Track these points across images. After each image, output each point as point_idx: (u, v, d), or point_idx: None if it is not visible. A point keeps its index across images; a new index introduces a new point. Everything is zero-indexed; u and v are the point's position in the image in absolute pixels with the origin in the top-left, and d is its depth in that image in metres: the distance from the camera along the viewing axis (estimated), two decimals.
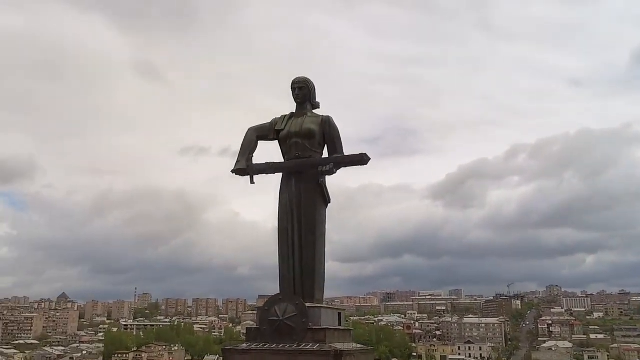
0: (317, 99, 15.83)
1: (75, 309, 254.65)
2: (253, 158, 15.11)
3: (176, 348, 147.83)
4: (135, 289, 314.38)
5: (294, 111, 15.35)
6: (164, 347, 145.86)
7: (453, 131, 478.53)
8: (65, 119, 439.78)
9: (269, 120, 15.70)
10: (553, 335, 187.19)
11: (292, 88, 15.44)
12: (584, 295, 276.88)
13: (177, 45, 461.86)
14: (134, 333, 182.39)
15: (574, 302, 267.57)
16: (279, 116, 15.68)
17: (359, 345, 15.74)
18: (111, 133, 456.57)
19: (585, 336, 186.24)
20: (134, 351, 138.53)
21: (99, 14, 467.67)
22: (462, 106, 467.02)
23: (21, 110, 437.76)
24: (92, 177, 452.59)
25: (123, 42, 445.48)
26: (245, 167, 14.42)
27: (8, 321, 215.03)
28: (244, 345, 14.77)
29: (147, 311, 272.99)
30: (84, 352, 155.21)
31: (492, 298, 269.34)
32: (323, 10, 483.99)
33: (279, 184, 15.56)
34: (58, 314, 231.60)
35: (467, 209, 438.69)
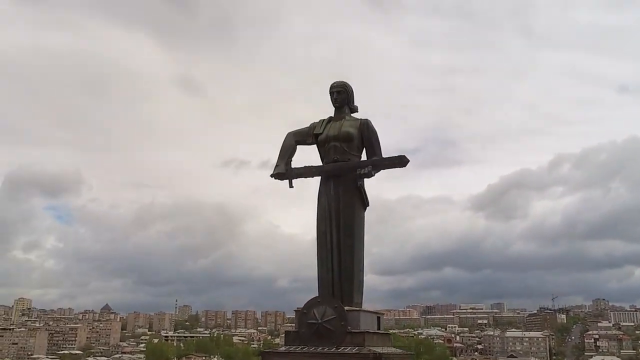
0: (356, 104, 15.85)
1: (118, 320, 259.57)
2: (292, 162, 15.21)
3: (215, 359, 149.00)
4: (176, 301, 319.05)
5: (332, 115, 15.39)
6: (204, 358, 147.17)
7: (494, 141, 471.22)
8: (110, 134, 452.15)
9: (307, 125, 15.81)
10: (600, 350, 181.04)
11: (330, 92, 15.48)
12: (633, 310, 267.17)
13: (218, 60, 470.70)
14: (174, 344, 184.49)
15: (622, 316, 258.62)
16: (317, 120, 15.75)
17: (398, 350, 15.54)
18: (154, 147, 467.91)
19: (634, 351, 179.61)
20: None
21: (143, 32, 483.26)
22: (503, 115, 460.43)
23: (69, 126, 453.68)
24: (136, 191, 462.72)
25: (165, 59, 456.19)
26: (284, 171, 14.51)
27: (54, 332, 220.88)
28: (283, 348, 14.78)
29: (187, 323, 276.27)
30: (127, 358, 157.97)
31: (535, 312, 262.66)
32: (362, 22, 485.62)
33: (317, 189, 15.58)
34: (101, 325, 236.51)
35: (509, 220, 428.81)
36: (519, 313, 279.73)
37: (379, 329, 14.95)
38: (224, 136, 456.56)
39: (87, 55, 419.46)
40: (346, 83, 15.83)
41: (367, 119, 15.06)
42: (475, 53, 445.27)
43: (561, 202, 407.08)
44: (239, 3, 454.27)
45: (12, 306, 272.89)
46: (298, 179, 15.39)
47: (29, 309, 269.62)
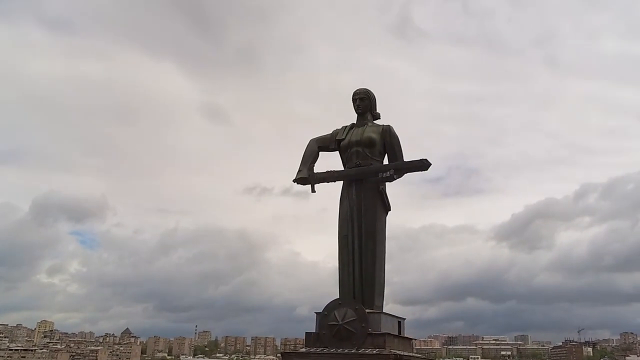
0: (378, 111, 16.10)
1: (138, 344, 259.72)
2: (314, 168, 15.48)
3: None
4: (196, 326, 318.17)
5: (355, 122, 15.68)
6: None
7: (518, 170, 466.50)
8: (136, 160, 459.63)
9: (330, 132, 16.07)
10: None
11: (353, 99, 15.78)
12: None
13: (243, 87, 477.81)
14: None
15: None
16: (340, 127, 16.05)
17: (418, 355, 15.46)
18: (179, 174, 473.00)
19: None
20: None
21: (171, 61, 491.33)
22: (528, 145, 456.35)
23: (97, 152, 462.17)
24: (160, 217, 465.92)
25: (192, 87, 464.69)
26: (307, 176, 14.78)
27: (75, 354, 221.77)
28: (303, 350, 14.83)
29: (206, 348, 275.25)
30: None
31: (560, 344, 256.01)
32: (387, 51, 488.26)
33: (339, 194, 15.75)
34: (121, 348, 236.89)
35: (534, 251, 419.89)
36: (543, 345, 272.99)
37: (400, 333, 14.93)
38: (248, 163, 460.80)
39: (116, 84, 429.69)
40: (368, 90, 16.14)
41: (389, 125, 15.30)
42: (500, 82, 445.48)
43: (588, 232, 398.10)
44: (264, 32, 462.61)
45: (35, 328, 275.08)
46: (320, 185, 15.61)
47: (51, 331, 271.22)
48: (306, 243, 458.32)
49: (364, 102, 15.75)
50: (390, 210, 15.16)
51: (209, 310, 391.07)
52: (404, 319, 14.89)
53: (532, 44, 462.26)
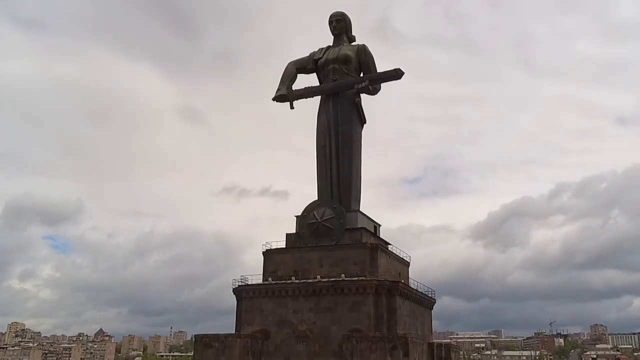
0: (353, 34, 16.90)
1: (112, 341, 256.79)
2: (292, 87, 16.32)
3: None
4: (171, 328, 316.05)
5: (331, 44, 16.58)
6: None
7: (494, 170, 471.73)
8: (111, 162, 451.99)
9: None
10: None
11: (329, 22, 16.70)
12: (631, 333, 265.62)
13: (221, 89, 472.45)
14: None
15: (620, 339, 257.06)
16: (317, 49, 16.95)
17: (394, 252, 16.46)
18: (155, 176, 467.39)
19: None
20: None
21: (147, 62, 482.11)
22: (503, 145, 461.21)
23: (71, 154, 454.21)
24: (135, 220, 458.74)
25: (169, 89, 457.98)
26: (286, 93, 15.70)
27: (47, 351, 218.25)
28: (283, 247, 15.69)
29: (182, 347, 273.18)
30: None
31: (532, 335, 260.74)
32: None
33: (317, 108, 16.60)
34: (95, 346, 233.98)
35: (508, 249, 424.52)
36: (516, 338, 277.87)
37: (376, 235, 15.80)
38: (225, 165, 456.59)
39: (91, 85, 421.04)
40: (344, 13, 17.07)
41: (364, 44, 16.27)
42: (476, 84, 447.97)
43: (561, 231, 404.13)
44: (242, 33, 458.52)
45: (6, 330, 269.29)
46: (299, 100, 16.45)
47: (22, 330, 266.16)
48: (284, 245, 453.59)
49: (340, 23, 16.69)
50: (365, 122, 16.12)
51: (183, 314, 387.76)
52: (380, 225, 15.83)
53: (508, 46, 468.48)
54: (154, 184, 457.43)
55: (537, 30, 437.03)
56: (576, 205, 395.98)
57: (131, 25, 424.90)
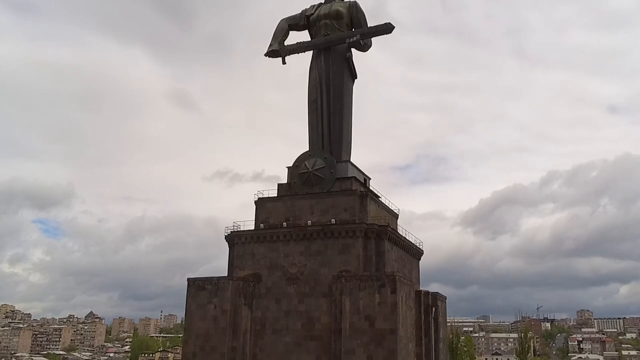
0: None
1: (102, 322, 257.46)
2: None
3: None
4: (161, 311, 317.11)
5: (322, 1, 17.39)
6: None
7: (486, 159, 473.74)
8: (102, 147, 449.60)
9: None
10: (584, 352, 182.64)
11: None
12: (617, 318, 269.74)
13: (213, 74, 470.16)
14: (160, 341, 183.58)
15: (606, 324, 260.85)
16: (309, 6, 17.70)
17: (384, 204, 17.39)
18: (146, 161, 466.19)
19: (617, 352, 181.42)
20: (160, 351, 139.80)
21: (139, 46, 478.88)
22: (495, 134, 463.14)
23: (62, 139, 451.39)
24: (126, 204, 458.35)
25: (160, 73, 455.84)
26: (278, 49, 16.55)
27: (37, 332, 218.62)
28: (275, 195, 16.53)
29: (172, 329, 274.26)
30: (111, 355, 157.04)
31: (520, 319, 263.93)
32: None
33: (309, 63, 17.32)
34: (86, 327, 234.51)
35: (498, 236, 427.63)
36: (504, 322, 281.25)
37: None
38: (217, 150, 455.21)
39: (83, 69, 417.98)
40: None
41: (355, 1, 17.06)
42: (469, 72, 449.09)
43: (551, 218, 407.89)
44: (235, 18, 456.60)
45: None
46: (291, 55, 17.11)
47: (12, 311, 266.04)
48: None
49: None
50: (356, 78, 16.86)
51: (174, 298, 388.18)
52: (370, 178, 16.69)
53: (501, 35, 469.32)
54: (146, 169, 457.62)
55: (530, 18, 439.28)
56: (566, 193, 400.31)
57: (123, 10, 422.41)
